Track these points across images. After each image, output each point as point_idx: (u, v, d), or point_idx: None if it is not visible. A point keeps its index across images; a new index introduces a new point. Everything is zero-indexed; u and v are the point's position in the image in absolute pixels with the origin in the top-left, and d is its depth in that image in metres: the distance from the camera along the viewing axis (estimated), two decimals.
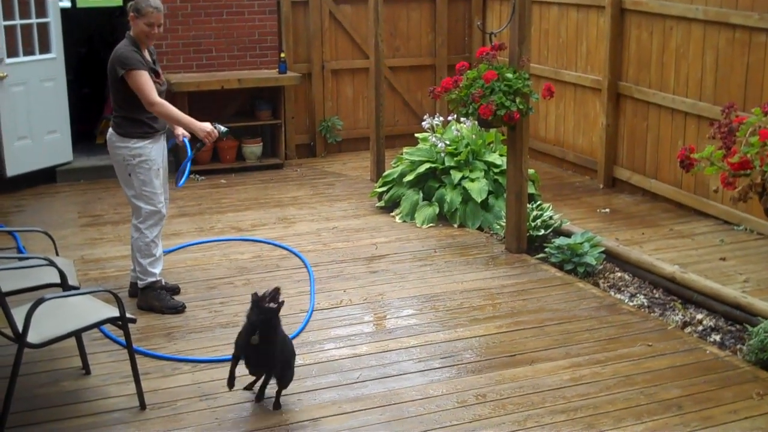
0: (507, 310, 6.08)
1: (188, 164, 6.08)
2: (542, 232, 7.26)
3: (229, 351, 5.39)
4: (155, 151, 5.94)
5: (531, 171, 7.69)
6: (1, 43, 8.79)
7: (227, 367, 5.18)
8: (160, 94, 5.82)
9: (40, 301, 4.39)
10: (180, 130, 6.23)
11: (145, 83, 5.70)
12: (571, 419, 4.62)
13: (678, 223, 7.84)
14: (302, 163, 10.45)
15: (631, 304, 6.26)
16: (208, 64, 10.24)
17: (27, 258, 5.63)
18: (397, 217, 8.12)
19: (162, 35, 9.88)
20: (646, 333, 5.69)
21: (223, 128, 5.92)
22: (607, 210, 8.33)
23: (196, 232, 7.81)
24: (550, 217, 7.38)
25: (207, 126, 5.84)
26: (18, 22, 8.98)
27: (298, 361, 5.29)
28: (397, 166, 8.49)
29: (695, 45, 7.94)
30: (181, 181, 6.06)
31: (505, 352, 5.44)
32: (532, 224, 7.26)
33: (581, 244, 6.83)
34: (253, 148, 10.18)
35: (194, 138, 5.95)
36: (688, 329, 5.85)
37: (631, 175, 8.85)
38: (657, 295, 6.44)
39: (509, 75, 6.75)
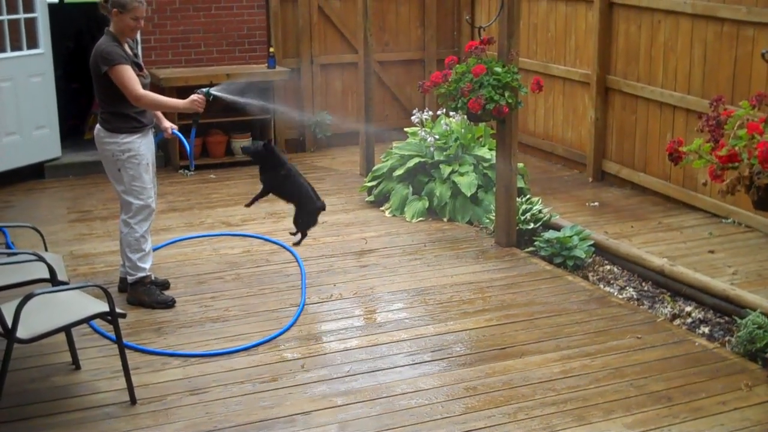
0: (497, 304, 6.09)
1: (192, 146, 6.24)
2: (532, 225, 7.27)
3: (219, 345, 5.42)
4: (144, 145, 5.93)
5: (520, 165, 7.70)
6: None
7: (218, 361, 5.22)
8: (143, 87, 5.81)
9: (29, 297, 4.38)
10: (166, 124, 6.24)
11: (130, 78, 5.68)
12: (561, 411, 4.63)
13: (667, 216, 7.87)
14: (292, 158, 10.41)
15: (620, 296, 6.29)
16: (196, 59, 10.22)
17: (16, 253, 5.62)
18: (387, 212, 8.13)
19: (150, 30, 9.89)
20: (636, 325, 5.72)
21: (205, 89, 5.97)
22: (596, 203, 8.35)
23: (185, 228, 7.79)
24: (540, 211, 7.39)
25: (192, 97, 5.90)
26: (5, 17, 8.94)
27: (288, 355, 5.31)
28: (387, 160, 8.49)
29: (683, 39, 7.96)
30: (193, 164, 6.33)
31: (495, 345, 5.45)
32: (522, 218, 7.28)
33: (570, 237, 6.85)
34: (243, 143, 10.15)
35: (186, 116, 5.99)
36: (677, 321, 5.88)
37: (619, 168, 8.87)
38: (646, 288, 6.46)
39: (498, 69, 6.76)
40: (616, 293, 6.35)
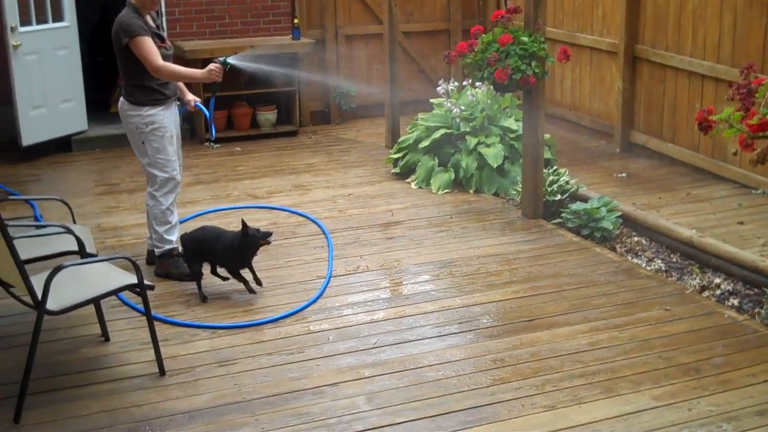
0: (524, 275, 6.07)
1: (211, 115, 6.24)
2: (559, 197, 7.22)
3: (247, 317, 5.45)
4: (168, 117, 5.93)
5: (547, 136, 7.63)
6: (14, 12, 8.76)
7: (245, 333, 5.25)
8: (166, 58, 5.80)
9: (58, 269, 4.41)
10: (189, 96, 6.24)
11: (149, 49, 5.68)
12: (590, 383, 4.62)
13: (695, 187, 7.79)
14: (317, 130, 10.42)
15: (648, 268, 6.24)
16: (221, 31, 10.20)
17: (45, 226, 5.66)
18: (413, 184, 8.10)
19: (175, 2, 9.88)
20: (664, 297, 5.68)
21: (221, 58, 5.97)
22: (624, 174, 8.28)
23: (212, 200, 7.81)
24: (567, 182, 7.34)
25: (209, 67, 5.88)
26: None
27: (315, 327, 5.33)
28: (413, 132, 8.45)
29: (713, 6, 7.84)
30: (213, 133, 6.33)
31: (522, 316, 5.44)
32: (549, 189, 7.23)
33: (598, 208, 6.80)
34: (268, 116, 10.16)
35: (206, 86, 5.98)
36: (706, 293, 5.84)
37: (647, 139, 8.78)
38: (674, 260, 6.41)
39: (525, 38, 6.70)
40: (644, 265, 6.31)
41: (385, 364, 4.86)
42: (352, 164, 8.93)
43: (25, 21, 8.92)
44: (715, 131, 4.54)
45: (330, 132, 10.34)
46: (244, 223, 5.65)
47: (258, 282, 5.78)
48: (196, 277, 5.75)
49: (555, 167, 7.63)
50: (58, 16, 9.32)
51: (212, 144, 9.60)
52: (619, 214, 6.87)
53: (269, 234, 5.76)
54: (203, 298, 5.69)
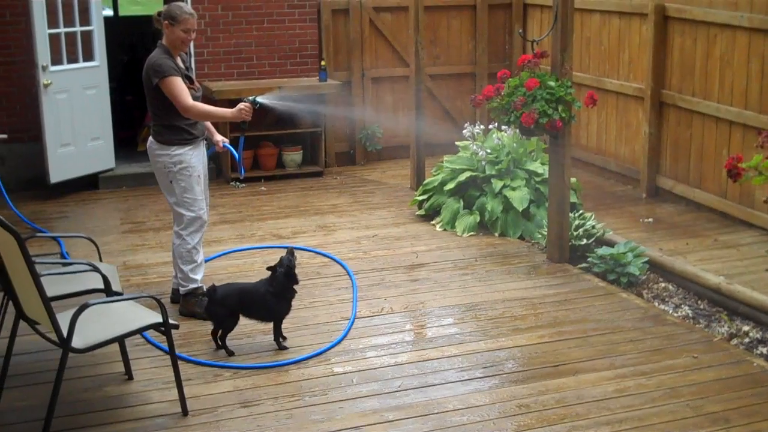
0: (549, 320, 6.02)
1: (240, 154, 6.32)
2: (584, 241, 7.18)
3: (270, 358, 5.42)
4: (195, 157, 5.98)
5: (573, 180, 7.61)
6: (46, 51, 8.89)
7: (269, 373, 5.22)
8: (195, 100, 5.86)
9: (84, 307, 4.42)
10: (218, 137, 6.29)
11: (180, 89, 5.73)
12: (616, 431, 4.55)
13: (723, 233, 7.72)
14: (342, 171, 10.45)
15: (675, 315, 6.18)
16: (249, 72, 10.29)
17: (71, 263, 5.68)
18: (438, 226, 8.09)
19: (203, 43, 9.99)
20: (692, 345, 5.61)
21: (251, 98, 6.02)
22: (651, 220, 8.23)
23: (237, 239, 7.83)
24: (593, 227, 7.30)
25: (239, 106, 5.92)
26: (62, 30, 9.09)
27: (339, 368, 5.30)
28: (438, 174, 8.46)
29: (740, 53, 7.83)
30: (242, 171, 6.46)
31: (547, 362, 5.38)
32: (575, 233, 7.19)
33: (624, 253, 6.75)
34: (293, 156, 10.20)
35: (234, 125, 6.01)
36: (735, 341, 5.76)
37: (674, 184, 8.74)
38: (702, 307, 6.34)
39: (551, 83, 6.71)
40: (671, 311, 6.24)
41: (409, 407, 4.82)
42: (377, 205, 8.93)
43: (56, 60, 9.05)
44: (745, 178, 4.52)
45: (355, 173, 10.37)
46: (281, 268, 5.60)
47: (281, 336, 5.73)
48: (228, 331, 5.62)
49: (581, 211, 7.60)
50: (88, 56, 9.45)
51: (237, 183, 9.66)
52: (646, 259, 6.82)
53: (290, 257, 5.67)
54: (230, 353, 5.52)
